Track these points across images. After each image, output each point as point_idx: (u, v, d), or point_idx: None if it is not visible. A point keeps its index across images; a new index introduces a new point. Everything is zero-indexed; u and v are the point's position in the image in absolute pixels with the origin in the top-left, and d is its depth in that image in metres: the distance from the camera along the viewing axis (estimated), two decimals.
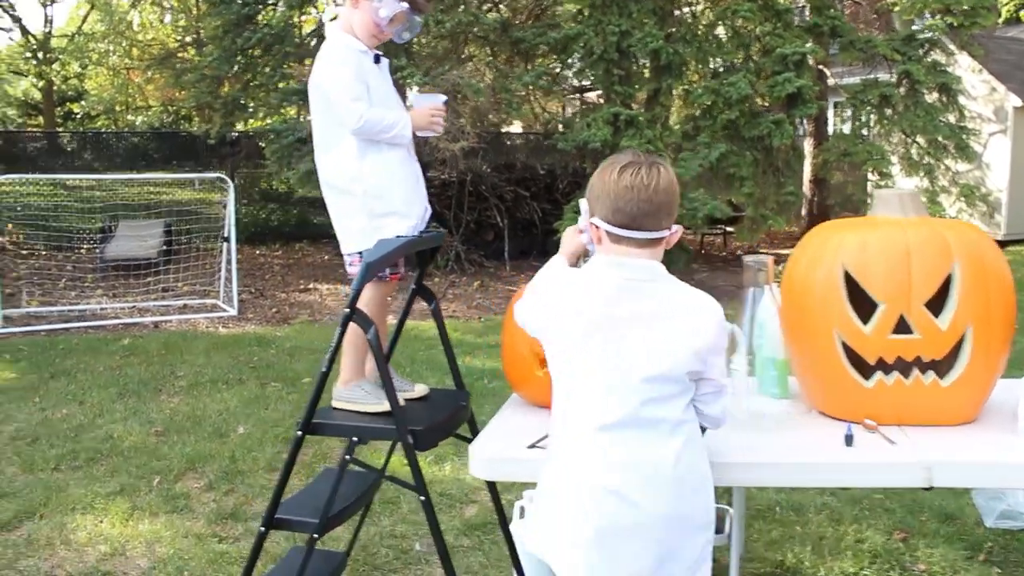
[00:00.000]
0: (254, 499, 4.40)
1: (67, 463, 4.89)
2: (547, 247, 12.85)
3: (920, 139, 12.15)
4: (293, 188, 13.77)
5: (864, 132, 12.56)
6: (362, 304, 2.74)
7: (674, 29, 10.93)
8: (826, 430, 2.56)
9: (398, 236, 2.83)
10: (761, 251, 13.56)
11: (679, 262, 10.99)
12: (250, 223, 13.87)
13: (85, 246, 12.55)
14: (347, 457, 2.72)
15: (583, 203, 2.59)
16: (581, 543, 2.03)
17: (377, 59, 2.88)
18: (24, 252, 12.34)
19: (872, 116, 12.55)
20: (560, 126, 10.72)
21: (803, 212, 15.41)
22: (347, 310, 2.60)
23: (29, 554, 3.82)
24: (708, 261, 13.11)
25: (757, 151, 11.09)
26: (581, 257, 2.55)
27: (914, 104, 12.07)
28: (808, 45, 10.72)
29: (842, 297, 2.56)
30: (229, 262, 9.36)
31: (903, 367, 2.55)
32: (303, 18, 12.37)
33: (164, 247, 11.88)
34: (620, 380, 2.04)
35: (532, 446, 2.45)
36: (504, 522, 3.14)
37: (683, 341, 2.04)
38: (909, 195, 2.72)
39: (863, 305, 2.57)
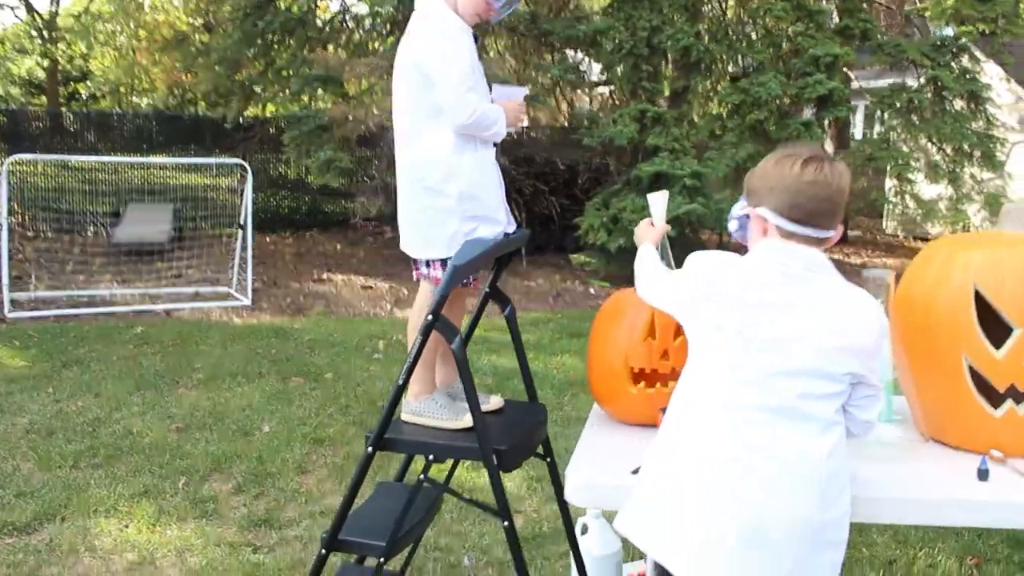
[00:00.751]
0: (286, 504, 4.17)
1: (86, 460, 4.65)
2: (565, 243, 12.63)
3: (946, 146, 11.93)
4: (306, 175, 13.52)
5: (890, 137, 12.31)
6: (423, 310, 2.53)
7: (704, 26, 10.69)
8: (952, 462, 2.34)
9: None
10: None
11: None
12: (259, 209, 13.60)
13: (92, 229, 12.30)
14: (422, 477, 2.50)
15: (653, 197, 2.46)
16: (718, 548, 1.88)
17: (475, 39, 2.63)
18: (30, 235, 12.07)
19: (897, 121, 12.32)
20: (585, 121, 10.48)
21: None
22: (430, 317, 2.37)
23: (52, 561, 3.59)
24: None
25: None
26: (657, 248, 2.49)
27: (941, 111, 11.87)
28: (841, 48, 10.48)
29: (973, 319, 2.34)
30: (244, 250, 9.11)
31: None
32: (319, 2, 12.08)
33: (174, 232, 11.62)
34: (774, 368, 1.94)
35: (636, 471, 2.22)
36: (573, 539, 2.92)
37: (842, 336, 1.94)
38: None
39: (991, 327, 2.34)
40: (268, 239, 13.13)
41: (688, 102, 11.44)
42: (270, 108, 12.30)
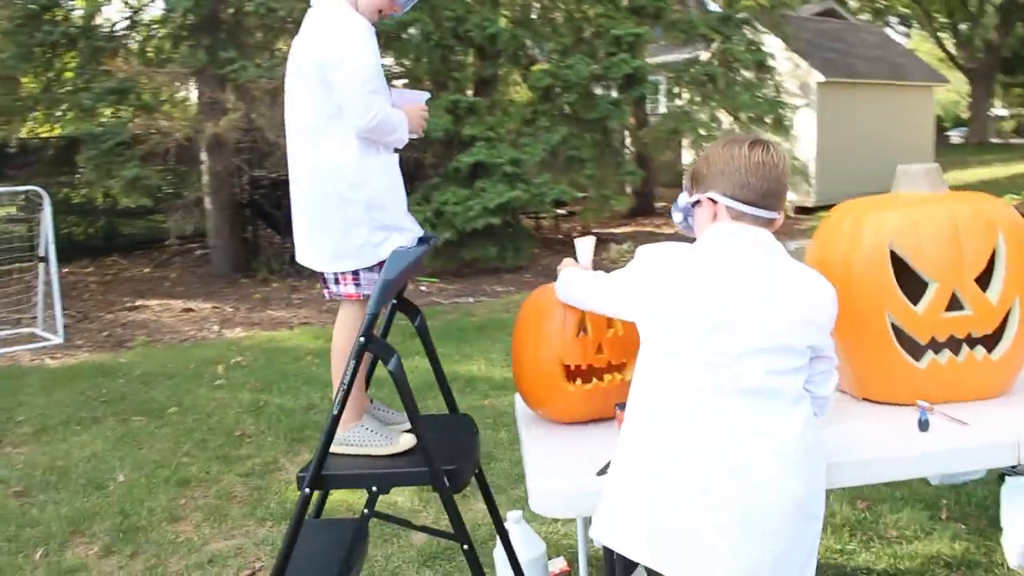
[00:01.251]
0: (168, 559, 3.80)
1: None
2: None
3: (742, 114, 12.62)
4: (99, 198, 12.52)
5: (690, 109, 12.88)
6: (350, 330, 2.34)
7: (508, 13, 10.74)
8: (888, 418, 2.40)
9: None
10: (594, 231, 13.72)
11: (526, 248, 10.87)
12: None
13: None
14: (366, 511, 2.31)
15: (581, 243, 2.45)
16: (712, 531, 1.84)
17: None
18: None
19: (692, 93, 12.90)
20: None
21: (627, 191, 15.73)
22: (362, 339, 2.18)
23: None
24: (547, 245, 13.08)
25: (596, 133, 11.12)
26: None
27: (733, 81, 12.53)
28: (640, 27, 10.83)
29: (891, 278, 2.41)
30: (48, 283, 8.32)
31: (953, 344, 2.44)
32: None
33: None
34: (737, 347, 1.91)
35: (602, 472, 2.14)
36: (510, 547, 2.80)
37: (800, 311, 1.95)
38: (935, 170, 2.60)
39: (906, 284, 2.43)
40: (65, 269, 12.08)
41: (498, 90, 11.48)
42: (59, 127, 11.24)
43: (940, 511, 3.77)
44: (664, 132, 12.66)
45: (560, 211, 13.94)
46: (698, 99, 12.58)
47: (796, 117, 14.61)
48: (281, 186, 11.46)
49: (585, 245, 2.53)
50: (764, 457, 1.86)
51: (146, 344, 8.12)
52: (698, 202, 2.14)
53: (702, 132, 12.70)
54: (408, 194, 9.57)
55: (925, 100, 17.79)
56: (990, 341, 2.45)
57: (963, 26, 30.87)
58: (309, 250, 2.49)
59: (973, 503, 3.80)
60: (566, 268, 2.44)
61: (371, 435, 2.39)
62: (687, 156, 15.96)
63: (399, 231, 2.45)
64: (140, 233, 13.57)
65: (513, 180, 10.17)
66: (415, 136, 2.55)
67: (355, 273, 2.43)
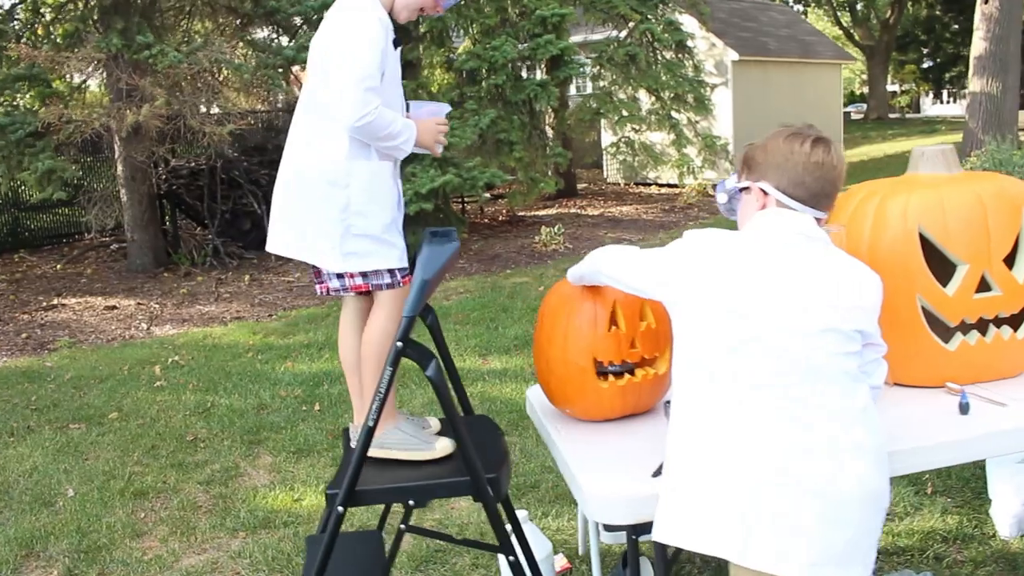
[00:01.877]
0: None
1: None
2: None
3: (664, 94, 12.68)
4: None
5: (612, 90, 12.88)
6: (384, 325, 2.20)
7: None
8: (923, 402, 2.38)
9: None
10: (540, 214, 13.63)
11: (458, 233, 10.71)
12: None
13: None
14: (403, 527, 2.17)
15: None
16: (795, 530, 1.79)
17: (397, 43, 2.32)
18: None
19: (614, 74, 12.91)
20: None
21: (549, 173, 15.69)
22: (399, 344, 2.03)
23: None
24: (475, 230, 12.94)
25: (523, 115, 11.01)
26: None
27: (654, 61, 12.58)
28: (565, 8, 10.74)
29: (922, 261, 2.39)
30: None
31: (981, 325, 2.44)
32: None
33: None
34: (794, 330, 1.86)
35: (658, 474, 2.05)
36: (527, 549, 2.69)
37: (847, 296, 1.90)
38: (951, 151, 2.58)
39: (934, 267, 2.41)
40: None
41: (422, 73, 11.25)
42: None
43: (925, 486, 3.82)
44: (588, 113, 12.64)
45: (486, 195, 13.81)
46: (620, 80, 12.58)
47: (711, 96, 14.82)
48: (201, 175, 11.03)
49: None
50: (838, 442, 1.82)
51: (70, 345, 7.69)
52: (747, 188, 2.07)
53: (625, 113, 12.74)
54: None
55: (833, 77, 18.26)
56: (1016, 320, 2.46)
57: (860, 6, 31.86)
58: (295, 243, 2.36)
59: (954, 476, 3.86)
60: (596, 252, 2.34)
61: (408, 438, 2.25)
62: (607, 138, 16.01)
63: (381, 244, 2.32)
64: (47, 228, 12.90)
65: (444, 164, 9.99)
66: (425, 151, 2.44)
67: (340, 276, 2.33)
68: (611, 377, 2.36)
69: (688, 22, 14.06)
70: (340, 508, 2.07)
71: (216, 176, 10.79)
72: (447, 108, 2.49)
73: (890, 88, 36.63)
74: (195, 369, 6.55)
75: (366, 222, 2.29)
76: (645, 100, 13.52)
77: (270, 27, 10.49)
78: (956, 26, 32.61)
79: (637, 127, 12.50)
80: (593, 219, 13.33)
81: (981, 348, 2.42)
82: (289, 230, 2.37)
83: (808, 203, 1.99)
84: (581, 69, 11.48)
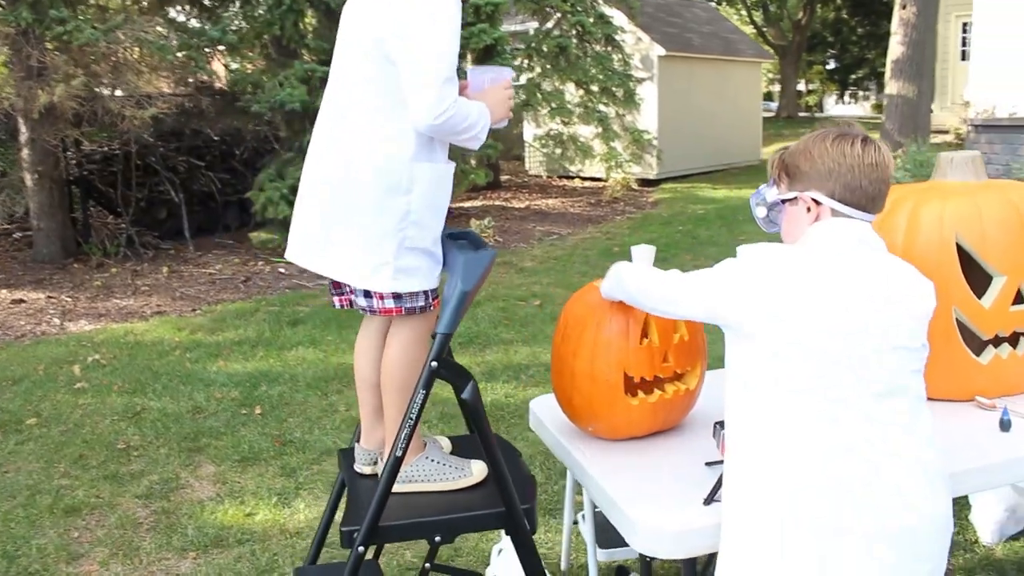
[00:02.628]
0: None
1: None
2: (229, 221, 11.62)
3: (593, 87, 12.61)
4: None
5: (541, 82, 12.75)
6: (408, 348, 1.97)
7: None
8: (959, 418, 2.29)
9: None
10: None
11: None
12: None
13: None
14: (427, 566, 1.95)
15: (638, 250, 2.15)
16: (877, 552, 1.67)
17: None
18: None
19: (543, 65, 12.78)
20: (250, 86, 9.55)
21: (473, 163, 15.48)
22: (433, 364, 1.81)
23: None
24: None
25: None
26: None
27: (584, 54, 12.49)
28: None
29: (959, 272, 2.29)
30: None
31: (1012, 338, 2.36)
32: None
33: None
34: (871, 348, 1.74)
35: (710, 501, 1.89)
36: None
37: (916, 307, 1.80)
38: (978, 158, 2.49)
39: (967, 278, 2.32)
40: None
41: None
42: None
43: None
44: (516, 105, 12.46)
45: None
46: (550, 71, 12.46)
47: (637, 90, 14.84)
48: (115, 160, 10.44)
49: (645, 253, 2.23)
50: (916, 469, 1.71)
51: None
52: (793, 199, 1.91)
53: (553, 105, 12.63)
54: (260, 169, 8.83)
55: (754, 75, 18.53)
56: None
57: (772, 7, 32.52)
58: (324, 254, 2.08)
59: None
60: (623, 265, 2.15)
61: (440, 467, 2.02)
62: (529, 130, 15.88)
63: (429, 259, 2.05)
64: None
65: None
66: (502, 125, 2.14)
67: (396, 294, 2.03)
68: (640, 393, 2.19)
69: (616, 16, 14.03)
70: (360, 549, 1.84)
71: (131, 162, 10.22)
72: (510, 72, 2.17)
73: (798, 88, 37.58)
74: (118, 369, 6.14)
75: (421, 234, 2.00)
76: (571, 93, 13.43)
77: (189, 4, 9.97)
78: (861, 30, 33.66)
79: (566, 120, 12.39)
80: (520, 212, 13.18)
81: (1013, 361, 2.35)
82: (330, 243, 2.06)
83: (865, 208, 1.86)
84: (513, 59, 11.30)
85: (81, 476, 4.38)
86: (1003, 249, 2.27)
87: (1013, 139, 10.89)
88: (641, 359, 2.15)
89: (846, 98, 41.80)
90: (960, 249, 2.30)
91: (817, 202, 1.86)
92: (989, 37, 16.74)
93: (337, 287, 2.17)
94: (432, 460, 2.03)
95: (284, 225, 9.80)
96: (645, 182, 15.37)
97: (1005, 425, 2.19)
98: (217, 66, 11.88)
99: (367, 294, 2.03)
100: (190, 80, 10.62)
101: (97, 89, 7.80)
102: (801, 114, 32.65)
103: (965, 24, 20.48)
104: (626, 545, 2.56)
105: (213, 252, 10.61)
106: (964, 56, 20.54)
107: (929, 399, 2.37)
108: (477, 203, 13.90)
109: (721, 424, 1.91)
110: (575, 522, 3.11)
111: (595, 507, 2.64)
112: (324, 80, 9.84)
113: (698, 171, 16.86)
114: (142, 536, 3.75)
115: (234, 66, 11.41)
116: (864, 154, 1.83)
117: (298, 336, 6.80)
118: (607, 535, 2.78)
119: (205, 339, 6.88)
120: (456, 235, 2.13)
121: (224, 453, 4.58)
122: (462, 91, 2.01)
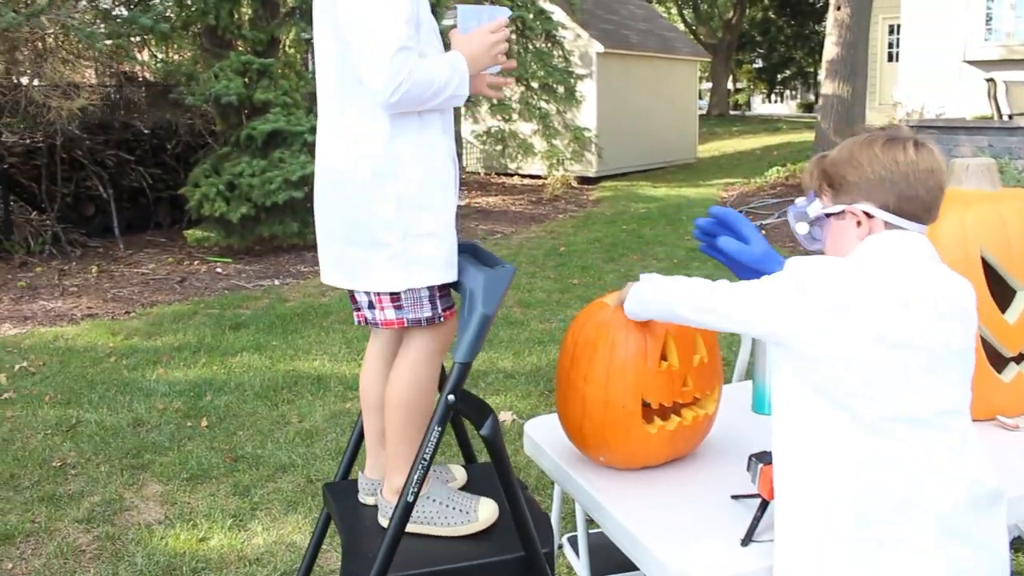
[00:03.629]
0: None
1: None
2: (160, 217, 11.18)
3: (534, 83, 12.48)
4: None
5: None
6: (417, 366, 1.78)
7: None
8: (986, 437, 2.18)
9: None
10: None
11: None
12: None
13: None
14: None
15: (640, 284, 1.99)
16: None
17: None
18: None
19: None
20: (184, 77, 9.13)
21: None
22: (449, 397, 1.62)
23: None
24: None
25: None
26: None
27: (525, 50, 12.34)
28: None
29: (984, 286, 2.18)
30: None
31: None
32: None
33: None
34: (948, 366, 1.63)
35: (748, 542, 1.74)
36: None
37: (974, 321, 1.70)
38: (994, 166, 2.39)
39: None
40: None
41: (285, 51, 10.56)
42: None
43: None
44: None
45: None
46: None
47: (576, 88, 14.75)
48: (39, 154, 9.92)
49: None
50: (960, 488, 1.59)
51: None
52: (839, 212, 1.76)
53: (495, 101, 12.46)
54: (194, 164, 8.48)
55: (690, 74, 18.61)
56: None
57: (703, 5, 32.86)
58: (328, 258, 1.90)
59: None
60: (646, 282, 1.96)
61: (442, 509, 1.82)
62: (467, 126, 15.68)
63: (444, 244, 1.86)
64: None
65: (314, 150, 9.38)
66: (493, 71, 1.92)
67: (393, 295, 1.83)
68: (657, 419, 2.03)
69: (556, 12, 13.91)
70: None
71: (56, 155, 9.72)
72: (503, 12, 1.92)
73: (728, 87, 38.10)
74: (49, 377, 5.76)
75: (426, 217, 1.81)
76: (511, 89, 13.27)
77: None
78: (789, 30, 34.24)
79: (506, 116, 12.23)
80: (461, 209, 12.94)
81: None
82: (334, 252, 1.90)
83: (921, 219, 1.71)
84: None
85: (13, 498, 4.06)
86: None
87: (947, 140, 11.08)
88: (660, 383, 1.99)
89: (773, 97, 42.57)
90: (985, 263, 2.20)
91: (868, 215, 1.72)
92: (917, 38, 17.12)
93: (354, 300, 1.96)
94: (434, 500, 1.84)
95: (221, 222, 9.46)
96: (585, 180, 15.30)
97: None
98: (147, 56, 11.42)
99: (371, 304, 1.85)
100: (120, 70, 10.18)
101: (18, 79, 7.35)
102: (732, 112, 33.08)
103: (892, 26, 20.94)
104: (628, 571, 2.40)
105: (145, 251, 10.17)
106: (891, 58, 21.01)
107: None
108: None
109: (757, 457, 1.76)
110: (559, 546, 2.94)
111: (588, 528, 2.47)
112: (261, 72, 9.53)
113: (636, 169, 16.86)
114: (85, 566, 3.47)
115: (160, 56, 10.98)
116: (919, 159, 1.68)
117: (242, 341, 6.50)
118: (604, 562, 2.62)
119: (142, 344, 6.53)
120: (462, 248, 1.93)
121: (171, 470, 4.29)
122: (450, 36, 1.87)
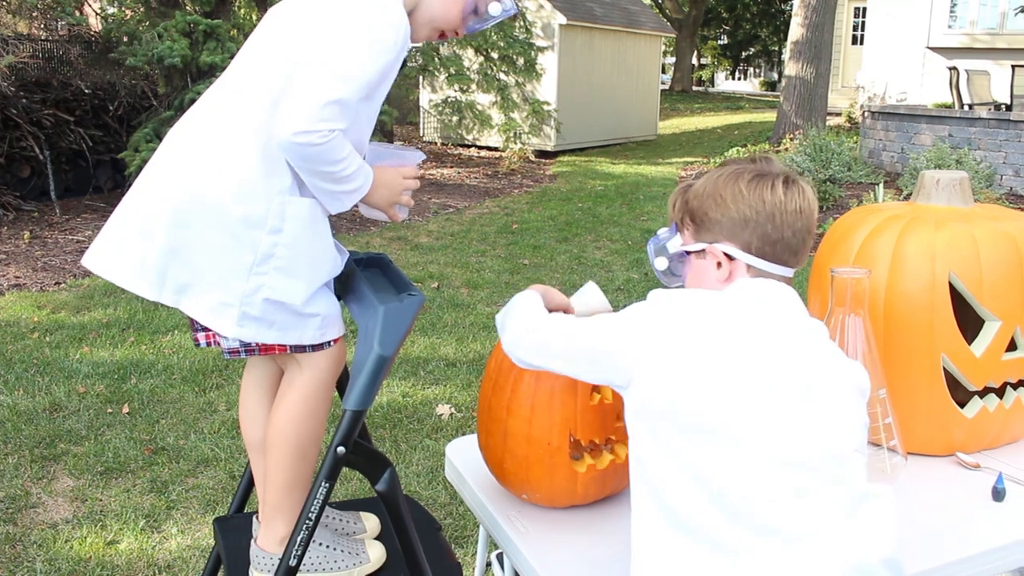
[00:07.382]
0: None
1: None
2: (100, 181, 10.74)
3: (493, 54, 12.18)
4: None
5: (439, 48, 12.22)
6: (309, 398, 1.56)
7: None
8: (939, 477, 2.01)
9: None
10: None
11: None
12: None
13: None
14: None
15: (584, 293, 1.83)
16: None
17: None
18: None
19: None
20: (125, 37, 8.71)
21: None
22: (339, 449, 1.39)
23: None
24: None
25: None
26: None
27: None
28: None
29: (951, 316, 2.00)
30: None
31: (999, 389, 2.10)
32: None
33: None
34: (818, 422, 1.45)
35: None
36: None
37: (857, 383, 1.54)
38: (967, 180, 2.20)
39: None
40: None
41: (235, 12, 10.14)
42: None
43: None
44: (413, 71, 11.93)
45: None
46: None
47: (537, 60, 14.46)
48: None
49: (592, 298, 1.82)
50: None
51: None
52: (700, 251, 1.58)
53: (452, 71, 12.15)
54: (136, 127, 8.12)
55: (654, 49, 18.36)
56: None
57: None
58: (126, 255, 1.65)
59: None
60: (530, 302, 1.73)
61: (330, 553, 1.61)
62: (425, 96, 15.33)
63: (299, 318, 1.64)
64: None
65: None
66: (378, 217, 1.76)
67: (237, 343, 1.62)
68: (587, 457, 1.82)
69: None
70: None
71: None
72: (420, 156, 1.80)
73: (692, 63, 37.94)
74: None
75: (290, 288, 1.60)
76: (470, 59, 12.95)
77: None
78: (755, 8, 34.09)
79: (464, 87, 11.92)
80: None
81: (999, 414, 2.09)
82: (170, 256, 1.64)
83: (788, 263, 1.54)
84: None
85: None
86: (1000, 290, 1.99)
87: (908, 127, 11.00)
88: (591, 419, 1.78)
89: (736, 74, 42.52)
90: (953, 290, 2.01)
91: (729, 257, 1.53)
92: (883, 22, 17.03)
93: (192, 325, 1.71)
94: (322, 545, 1.62)
95: None
96: (543, 154, 15.05)
97: (998, 495, 1.91)
98: (89, 13, 10.90)
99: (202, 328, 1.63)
100: (59, 27, 9.69)
101: None
102: (695, 88, 32.93)
103: (858, 9, 20.87)
104: None
105: (83, 216, 9.76)
106: (856, 40, 20.96)
107: (908, 452, 2.10)
108: None
109: None
110: (488, 564, 2.73)
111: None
112: (208, 33, 9.13)
113: (595, 144, 16.64)
114: None
115: (111, 10, 10.49)
116: (788, 199, 1.50)
117: (175, 318, 6.20)
118: None
119: (69, 319, 6.20)
120: (362, 260, 1.70)
121: (85, 463, 4.03)
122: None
